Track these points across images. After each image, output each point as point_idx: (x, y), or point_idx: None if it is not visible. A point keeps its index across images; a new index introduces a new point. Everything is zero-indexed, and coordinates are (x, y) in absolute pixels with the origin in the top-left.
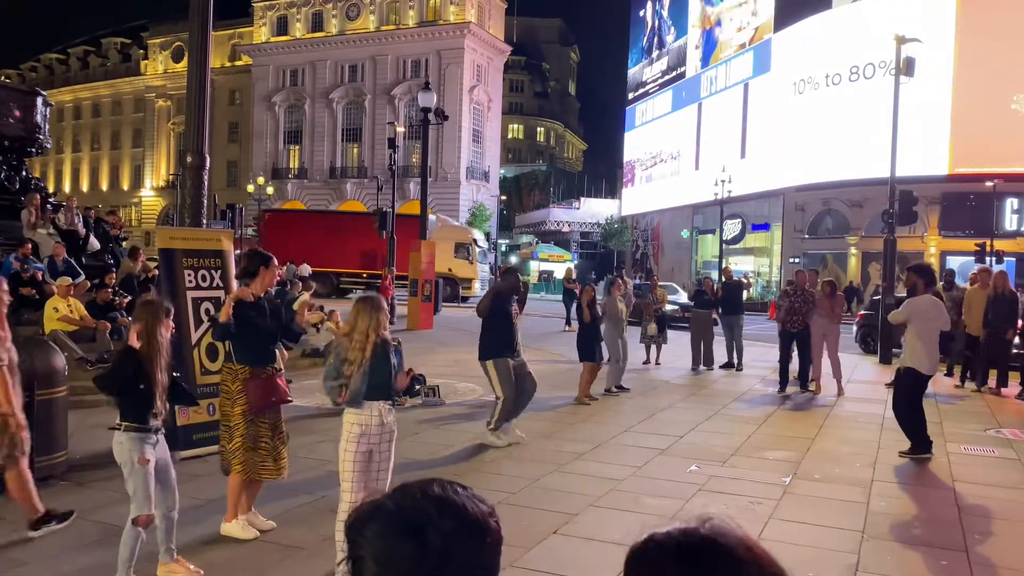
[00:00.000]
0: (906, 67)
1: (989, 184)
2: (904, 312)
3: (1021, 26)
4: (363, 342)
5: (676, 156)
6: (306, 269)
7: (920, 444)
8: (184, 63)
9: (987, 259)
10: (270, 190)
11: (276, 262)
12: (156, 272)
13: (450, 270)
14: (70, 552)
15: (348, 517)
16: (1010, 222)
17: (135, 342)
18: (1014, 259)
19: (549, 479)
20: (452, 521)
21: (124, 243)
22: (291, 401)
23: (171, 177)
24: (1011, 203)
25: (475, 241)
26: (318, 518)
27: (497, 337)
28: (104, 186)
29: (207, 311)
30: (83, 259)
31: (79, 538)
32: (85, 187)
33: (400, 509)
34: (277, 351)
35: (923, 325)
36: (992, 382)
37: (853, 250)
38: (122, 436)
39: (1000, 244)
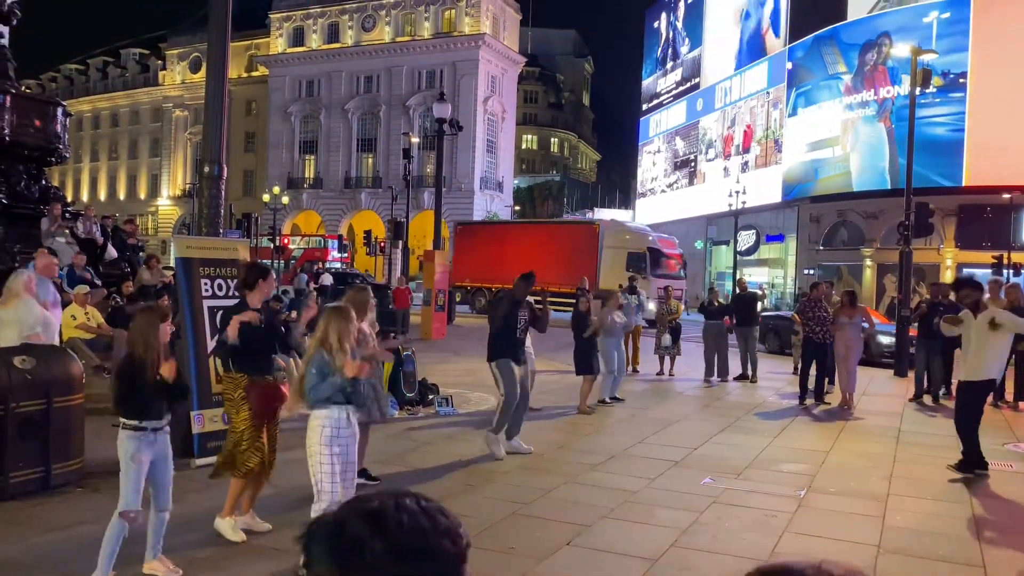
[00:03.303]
0: (922, 79)
1: (1006, 196)
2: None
3: None
4: (338, 349)
5: (690, 167)
6: (327, 279)
7: (970, 460)
8: (201, 73)
9: (1004, 272)
10: (285, 200)
11: (273, 275)
12: (172, 280)
13: (620, 287)
14: (76, 557)
15: (303, 530)
16: None
17: (169, 373)
18: None
19: (562, 490)
20: (383, 542)
21: (142, 252)
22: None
23: (188, 186)
24: None
25: (652, 250)
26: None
27: (504, 340)
28: (121, 195)
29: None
30: (100, 268)
31: (88, 544)
32: (103, 196)
33: (339, 526)
34: (292, 361)
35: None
36: (1009, 396)
37: (868, 262)
38: (122, 433)
39: (1017, 257)
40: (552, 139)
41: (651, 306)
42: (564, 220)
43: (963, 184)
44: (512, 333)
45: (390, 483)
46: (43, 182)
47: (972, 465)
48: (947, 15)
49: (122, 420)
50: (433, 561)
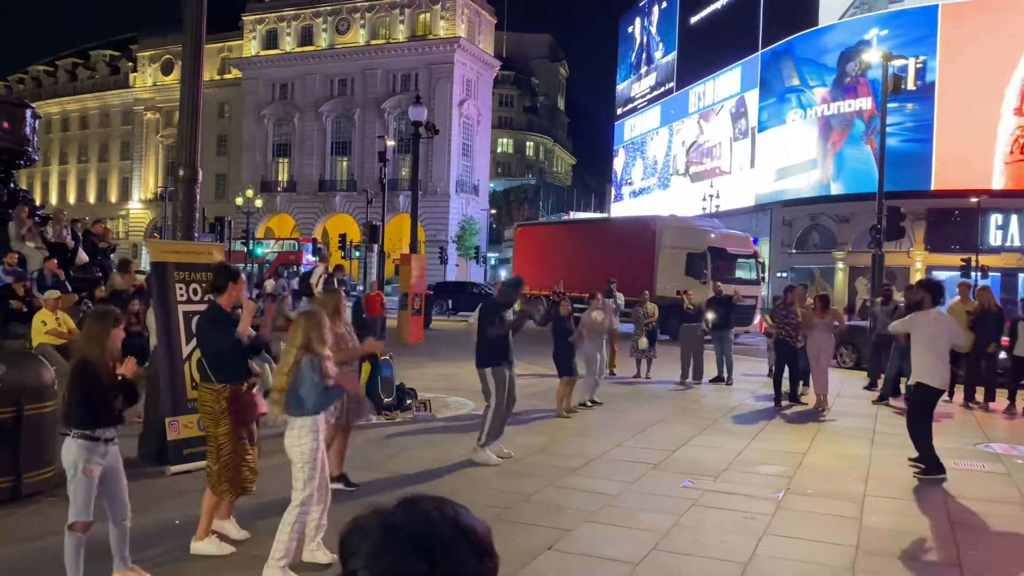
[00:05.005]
0: (894, 85)
1: (974, 200)
2: (905, 324)
3: (1002, 45)
4: (317, 355)
5: (664, 171)
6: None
7: (931, 464)
8: (173, 76)
9: (972, 274)
10: (259, 203)
11: (244, 277)
12: (144, 284)
13: (678, 293)
14: (49, 566)
15: (346, 528)
16: (994, 237)
17: (131, 371)
18: (999, 274)
19: (542, 494)
20: (464, 543)
21: (112, 255)
22: (266, 414)
23: (159, 190)
24: (995, 219)
25: (714, 250)
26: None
27: (495, 345)
28: (91, 198)
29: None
30: (71, 272)
31: (60, 555)
32: (72, 199)
33: (412, 526)
34: (268, 366)
35: (929, 339)
36: (980, 397)
37: (840, 265)
38: (71, 443)
39: (985, 259)
40: (527, 143)
41: (711, 315)
42: (625, 218)
43: (931, 188)
44: (503, 337)
45: (369, 490)
46: (11, 185)
47: (931, 467)
48: (885, 32)
49: (73, 429)
50: (491, 565)
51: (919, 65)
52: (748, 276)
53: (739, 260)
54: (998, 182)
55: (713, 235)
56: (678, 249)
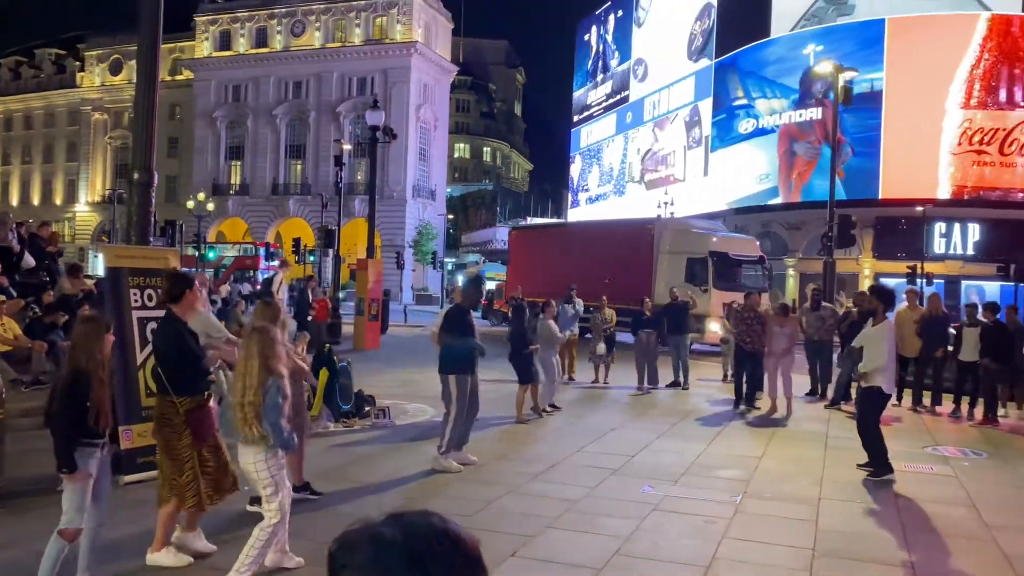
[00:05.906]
0: (844, 96)
1: (919, 209)
2: (877, 356)
3: (947, 49)
4: (278, 374)
5: (620, 178)
6: (246, 288)
7: (880, 464)
8: (122, 76)
9: (918, 281)
10: (210, 206)
11: (198, 284)
12: (92, 288)
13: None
14: None
15: (334, 543)
16: (938, 245)
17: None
18: (942, 281)
19: (504, 500)
20: (456, 555)
21: (60, 259)
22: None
23: (108, 192)
24: (939, 227)
25: (715, 254)
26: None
27: (460, 351)
28: (36, 200)
29: (151, 331)
30: (16, 277)
31: (10, 570)
32: (15, 201)
33: (404, 538)
34: (222, 373)
35: (888, 348)
36: (927, 401)
37: (791, 271)
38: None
39: (930, 267)
40: (484, 148)
41: (714, 327)
42: (623, 220)
43: (879, 197)
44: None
45: (332, 499)
46: None
47: (880, 468)
48: (821, 47)
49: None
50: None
51: (848, 81)
52: (755, 283)
53: (744, 265)
54: (944, 187)
55: (715, 239)
56: (677, 253)
